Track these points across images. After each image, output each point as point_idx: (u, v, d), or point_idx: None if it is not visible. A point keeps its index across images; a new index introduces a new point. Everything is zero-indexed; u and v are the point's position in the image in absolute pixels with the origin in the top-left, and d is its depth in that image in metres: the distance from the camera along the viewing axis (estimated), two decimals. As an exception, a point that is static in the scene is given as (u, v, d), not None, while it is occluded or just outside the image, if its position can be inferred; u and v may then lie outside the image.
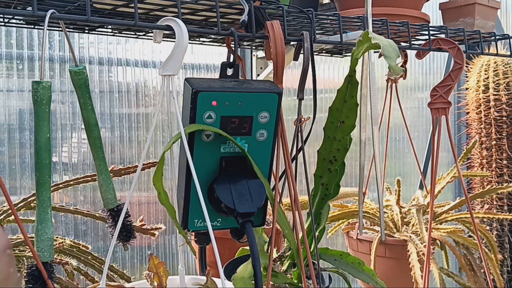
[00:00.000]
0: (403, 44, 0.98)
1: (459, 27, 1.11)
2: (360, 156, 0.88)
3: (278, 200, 0.71)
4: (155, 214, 1.41)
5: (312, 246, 0.81)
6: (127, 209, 0.68)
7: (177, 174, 0.70)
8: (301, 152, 0.79)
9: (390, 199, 1.46)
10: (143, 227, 1.00)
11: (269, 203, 0.72)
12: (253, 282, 0.61)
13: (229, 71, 0.70)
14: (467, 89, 1.66)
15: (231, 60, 0.70)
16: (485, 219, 1.59)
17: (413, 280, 1.17)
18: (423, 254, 1.19)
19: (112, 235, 0.70)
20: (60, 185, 0.86)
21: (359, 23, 0.86)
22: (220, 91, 0.65)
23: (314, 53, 1.30)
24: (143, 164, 0.85)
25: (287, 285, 0.78)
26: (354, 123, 0.75)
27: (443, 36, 1.09)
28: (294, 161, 0.82)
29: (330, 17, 0.80)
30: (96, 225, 1.30)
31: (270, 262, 0.69)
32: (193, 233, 0.73)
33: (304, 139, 0.81)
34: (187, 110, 0.65)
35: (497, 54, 1.07)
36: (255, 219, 0.72)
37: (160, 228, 1.02)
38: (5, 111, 1.30)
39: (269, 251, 0.71)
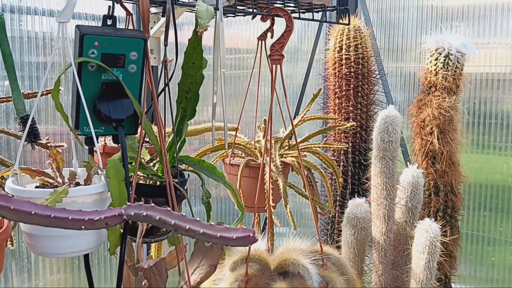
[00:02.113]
0: (249, 10, 1.31)
1: (303, -1, 1.45)
2: (213, 95, 1.20)
3: (144, 113, 1.02)
4: (60, 141, 1.67)
5: (174, 153, 1.14)
6: (33, 117, 0.96)
7: (71, 93, 0.99)
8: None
9: (260, 135, 1.83)
10: (48, 144, 1.27)
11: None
12: (121, 163, 0.93)
13: (109, 22, 0.99)
14: (327, 49, 2.05)
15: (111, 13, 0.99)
16: (335, 153, 2.02)
17: (265, 191, 1.55)
18: (274, 172, 1.57)
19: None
20: (-19, 104, 1.11)
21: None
22: (100, 35, 0.94)
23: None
24: (46, 90, 1.12)
25: (152, 176, 1.11)
26: (201, 64, 1.07)
27: (292, 5, 1.43)
28: (163, 92, 1.14)
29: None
30: (10, 148, 1.54)
31: (138, 155, 1.01)
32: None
33: (170, 76, 1.12)
34: (76, 48, 0.94)
35: (323, 21, 1.44)
36: (129, 129, 1.03)
37: (62, 145, 1.30)
38: None
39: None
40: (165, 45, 1.09)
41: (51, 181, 0.96)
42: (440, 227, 1.44)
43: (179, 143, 1.16)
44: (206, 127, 1.62)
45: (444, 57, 1.79)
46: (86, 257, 1.00)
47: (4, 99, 1.12)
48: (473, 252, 2.42)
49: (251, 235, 0.57)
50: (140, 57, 0.99)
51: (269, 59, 1.32)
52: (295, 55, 2.64)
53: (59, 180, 0.96)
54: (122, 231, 0.93)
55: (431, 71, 1.82)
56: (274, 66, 1.31)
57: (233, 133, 1.73)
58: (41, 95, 1.05)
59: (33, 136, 0.99)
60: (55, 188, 0.84)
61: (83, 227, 0.64)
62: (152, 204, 0.63)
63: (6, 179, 0.96)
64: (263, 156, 1.43)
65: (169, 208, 0.62)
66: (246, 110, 2.02)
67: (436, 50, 1.81)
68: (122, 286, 0.98)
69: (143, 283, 1.07)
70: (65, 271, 1.84)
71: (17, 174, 0.94)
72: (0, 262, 0.85)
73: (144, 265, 0.93)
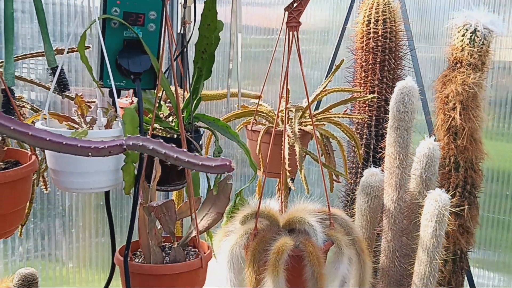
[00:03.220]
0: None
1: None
2: (229, 61, 1.28)
3: (162, 69, 1.11)
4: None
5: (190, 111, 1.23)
6: (62, 67, 1.07)
7: (96, 49, 1.09)
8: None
9: (282, 104, 1.89)
10: (81, 97, 1.39)
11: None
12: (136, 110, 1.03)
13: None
14: (357, 23, 2.07)
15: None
16: (358, 126, 2.06)
17: (282, 156, 1.62)
18: (293, 138, 1.64)
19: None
20: (20, 57, 1.24)
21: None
22: (122, -6, 1.03)
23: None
24: (73, 48, 1.23)
25: (168, 129, 1.20)
26: (216, 26, 1.15)
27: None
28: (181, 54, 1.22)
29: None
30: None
31: (154, 107, 1.10)
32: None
33: (188, 39, 1.21)
34: (101, 7, 1.04)
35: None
36: (147, 83, 1.13)
37: (94, 101, 1.42)
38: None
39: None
40: (184, 8, 1.17)
41: (76, 126, 1.08)
42: (450, 197, 1.47)
43: (195, 101, 1.25)
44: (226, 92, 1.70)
45: (470, 33, 1.78)
46: (107, 194, 1.11)
47: (40, 53, 1.24)
48: (498, 238, 2.41)
49: (228, 164, 0.65)
50: (158, 17, 1.08)
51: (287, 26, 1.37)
52: (326, 36, 2.67)
53: (83, 125, 1.07)
54: (136, 172, 1.03)
55: (457, 47, 1.81)
56: (291, 32, 1.37)
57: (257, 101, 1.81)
58: (68, 52, 1.16)
59: (62, 87, 1.10)
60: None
61: (90, 154, 0.73)
62: (148, 137, 0.72)
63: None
64: (276, 120, 1.50)
65: (161, 140, 0.71)
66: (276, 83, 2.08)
67: (464, 26, 1.80)
68: (136, 224, 1.08)
69: (158, 227, 1.17)
70: (95, 227, 1.99)
71: (46, 118, 1.05)
72: (27, 192, 0.97)
73: (154, 204, 1.02)
